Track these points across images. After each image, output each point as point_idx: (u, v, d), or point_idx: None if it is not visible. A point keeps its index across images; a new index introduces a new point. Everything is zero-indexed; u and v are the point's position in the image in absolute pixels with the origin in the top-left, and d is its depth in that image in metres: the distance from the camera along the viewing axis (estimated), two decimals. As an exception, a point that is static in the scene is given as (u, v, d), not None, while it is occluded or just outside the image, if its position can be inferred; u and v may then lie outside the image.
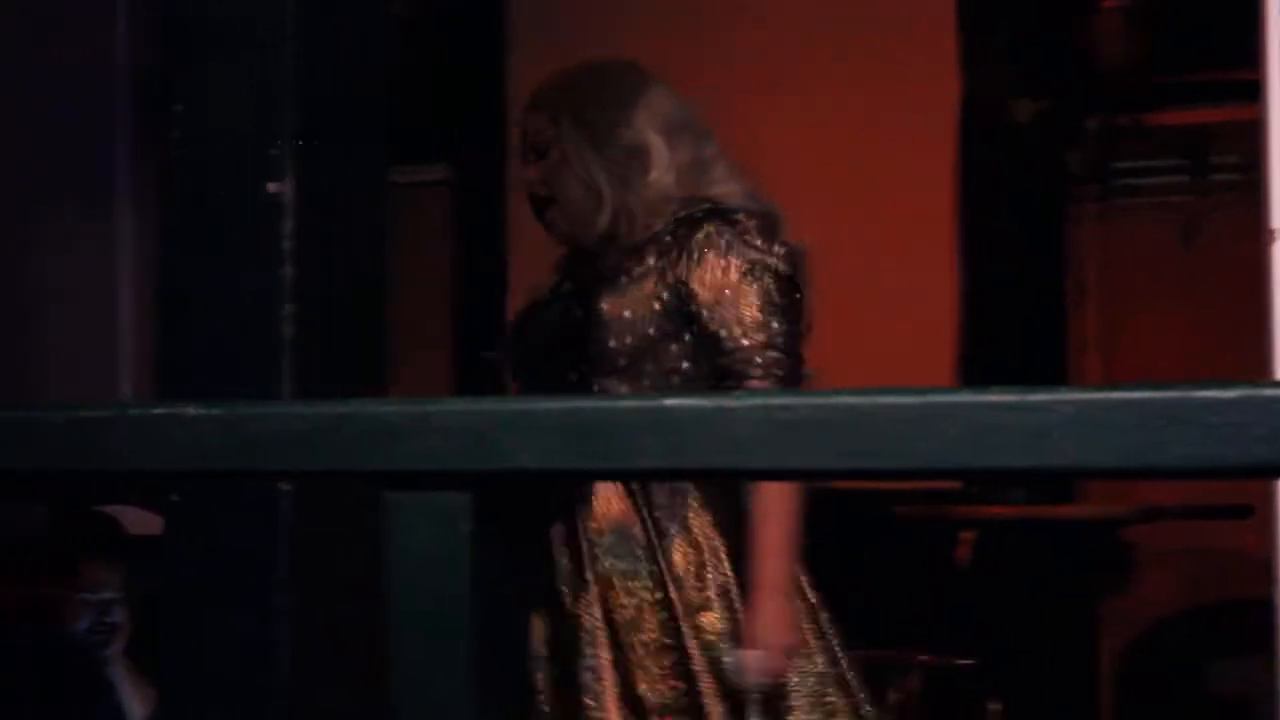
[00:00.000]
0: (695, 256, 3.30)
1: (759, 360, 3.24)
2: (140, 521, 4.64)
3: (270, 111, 1.80)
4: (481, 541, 1.10)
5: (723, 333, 3.26)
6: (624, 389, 3.30)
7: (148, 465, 1.18)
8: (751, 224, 3.32)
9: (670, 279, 3.31)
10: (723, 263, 3.28)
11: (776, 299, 3.28)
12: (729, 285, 3.27)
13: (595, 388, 3.33)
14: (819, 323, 3.33)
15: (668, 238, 3.34)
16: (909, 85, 6.24)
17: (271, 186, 1.80)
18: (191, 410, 1.12)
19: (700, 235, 3.30)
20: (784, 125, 6.30)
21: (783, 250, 3.31)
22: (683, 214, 3.35)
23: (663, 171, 3.37)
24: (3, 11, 5.68)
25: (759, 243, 3.30)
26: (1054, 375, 6.18)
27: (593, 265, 3.42)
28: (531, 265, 6.18)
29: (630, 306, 3.32)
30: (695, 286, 3.28)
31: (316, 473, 1.13)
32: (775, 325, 3.26)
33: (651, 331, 3.31)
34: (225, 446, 1.11)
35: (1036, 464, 1.03)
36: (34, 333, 5.82)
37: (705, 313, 3.27)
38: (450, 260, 6.20)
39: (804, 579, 3.36)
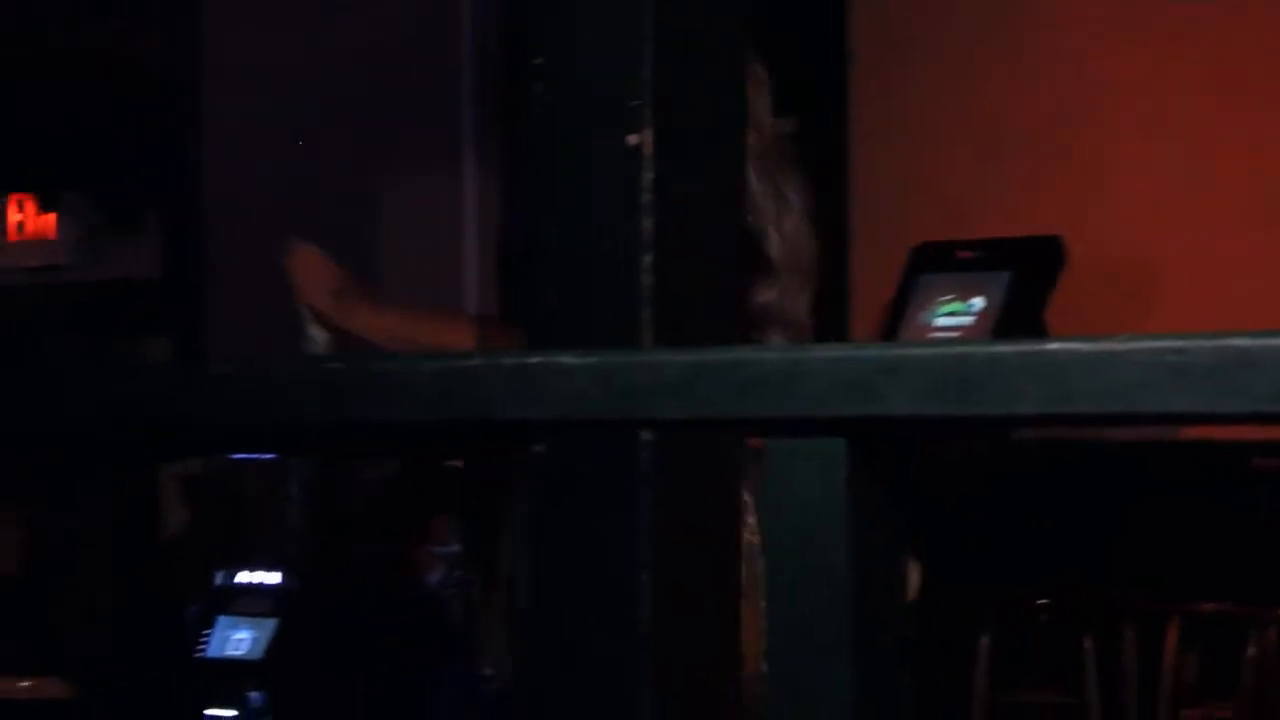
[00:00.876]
0: None
1: None
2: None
3: (631, 64, 1.81)
4: (857, 488, 1.09)
5: None
6: None
7: (521, 414, 1.19)
8: None
9: None
10: None
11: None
12: None
13: None
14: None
15: None
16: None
17: (631, 138, 1.80)
18: (567, 359, 1.12)
19: None
20: (1172, 78, 6.16)
21: None
22: None
23: None
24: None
25: None
26: None
27: None
28: (873, 217, 6.16)
29: None
30: None
31: (693, 420, 1.13)
32: None
33: None
34: (601, 395, 1.12)
35: None
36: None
37: None
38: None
39: None
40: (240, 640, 4.97)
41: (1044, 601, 5.33)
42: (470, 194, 5.86)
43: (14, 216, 6.42)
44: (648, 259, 1.73)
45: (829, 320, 5.81)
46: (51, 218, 6.34)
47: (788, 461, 1.13)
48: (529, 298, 1.85)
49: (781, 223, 3.43)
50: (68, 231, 6.28)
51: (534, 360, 1.17)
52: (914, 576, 3.33)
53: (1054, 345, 1.04)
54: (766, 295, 3.42)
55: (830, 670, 1.12)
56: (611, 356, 1.16)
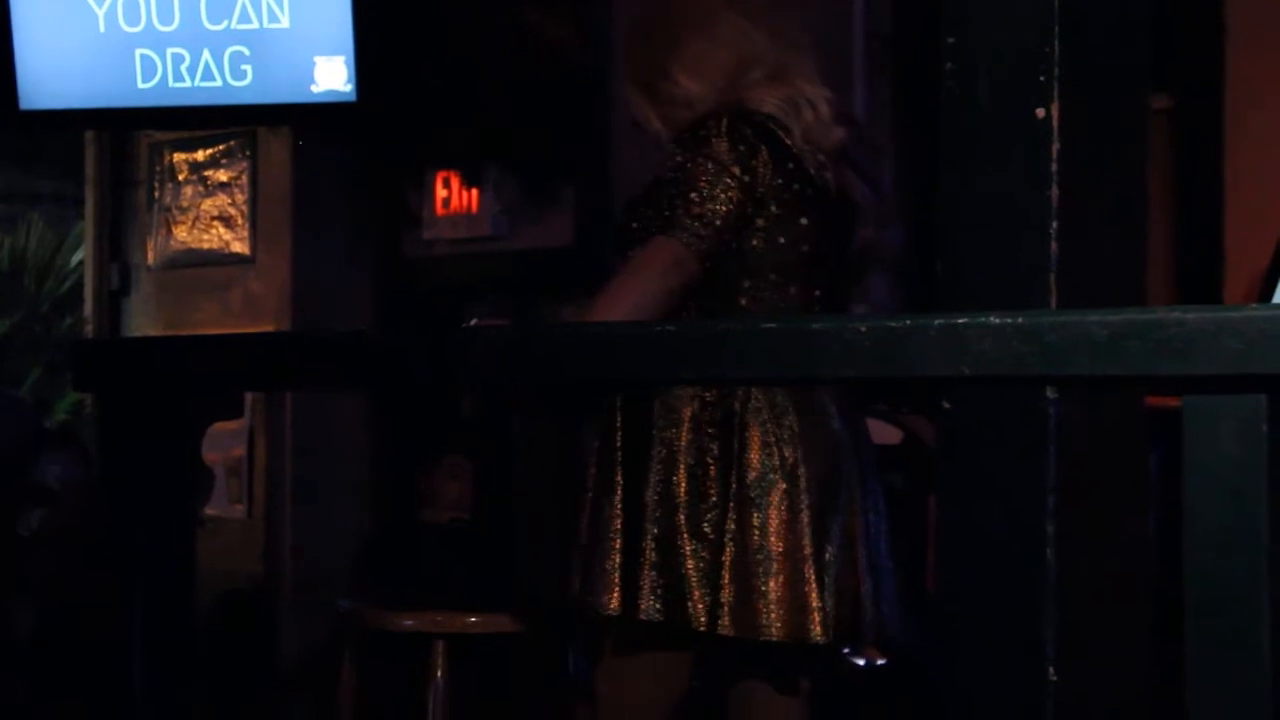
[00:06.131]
0: (668, 166, 3.46)
1: (667, 224, 3.38)
2: (880, 432, 4.70)
3: (1038, 40, 1.79)
4: (1278, 445, 1.07)
5: (664, 207, 3.41)
6: None
7: (946, 371, 1.18)
8: (726, 123, 3.43)
9: (662, 187, 3.47)
10: (676, 160, 3.43)
11: (700, 180, 3.39)
12: (673, 167, 3.42)
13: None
14: None
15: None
16: None
17: (1039, 111, 1.78)
18: (993, 319, 1.11)
19: (677, 148, 3.47)
20: None
21: (725, 145, 3.40)
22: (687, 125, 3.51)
23: (702, 106, 3.52)
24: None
25: (714, 137, 3.42)
26: None
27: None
28: (1248, 194, 5.99)
29: (638, 219, 3.51)
30: (661, 188, 3.45)
31: (1113, 378, 1.12)
32: (690, 222, 3.38)
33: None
34: (1024, 352, 1.11)
35: None
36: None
37: (654, 210, 3.44)
38: (1168, 189, 6.05)
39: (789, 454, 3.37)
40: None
41: None
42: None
43: (440, 192, 6.58)
44: (1054, 225, 1.71)
45: (1203, 288, 5.67)
46: (475, 192, 6.49)
47: (1207, 419, 1.11)
48: (936, 265, 1.83)
49: (875, 169, 3.65)
50: (489, 205, 6.42)
51: (961, 320, 1.16)
52: None
53: None
54: (865, 234, 3.54)
55: (1249, 627, 1.10)
56: (1037, 316, 1.14)
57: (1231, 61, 5.99)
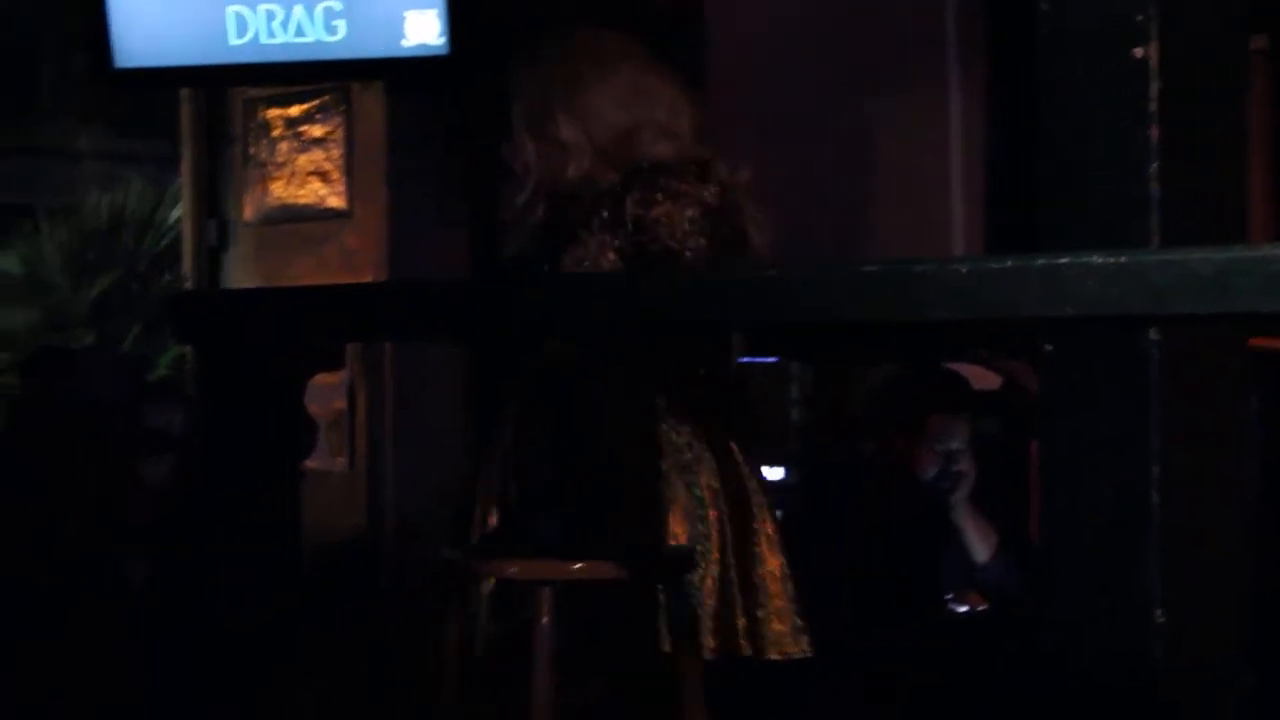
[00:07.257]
0: (637, 202, 3.52)
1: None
2: (980, 378, 4.69)
3: (1137, -21, 1.76)
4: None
5: (657, 248, 3.49)
6: None
7: (1059, 311, 1.17)
8: (680, 173, 3.54)
9: (621, 225, 3.53)
10: (656, 198, 3.51)
11: (701, 223, 3.52)
12: (661, 217, 3.50)
13: None
14: None
15: (618, 190, 3.56)
16: None
17: (1137, 51, 1.76)
18: (1096, 258, 1.10)
19: (638, 190, 3.53)
20: None
21: (713, 189, 3.55)
22: (629, 170, 3.56)
23: (582, 160, 3.61)
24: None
25: (686, 186, 3.52)
26: None
27: (560, 222, 3.68)
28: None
29: (589, 258, 3.55)
30: (640, 224, 3.52)
31: (1218, 316, 1.10)
32: (694, 244, 3.50)
33: None
34: (1127, 292, 1.10)
35: None
36: (873, 208, 5.95)
37: (646, 239, 3.51)
38: (1265, 128, 5.98)
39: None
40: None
41: None
42: (955, 114, 5.81)
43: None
44: (1154, 166, 1.69)
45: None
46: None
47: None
48: (1036, 207, 1.82)
49: (762, 213, 3.71)
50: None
51: (1063, 260, 1.15)
52: None
53: None
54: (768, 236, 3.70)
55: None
56: (1141, 255, 1.13)
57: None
